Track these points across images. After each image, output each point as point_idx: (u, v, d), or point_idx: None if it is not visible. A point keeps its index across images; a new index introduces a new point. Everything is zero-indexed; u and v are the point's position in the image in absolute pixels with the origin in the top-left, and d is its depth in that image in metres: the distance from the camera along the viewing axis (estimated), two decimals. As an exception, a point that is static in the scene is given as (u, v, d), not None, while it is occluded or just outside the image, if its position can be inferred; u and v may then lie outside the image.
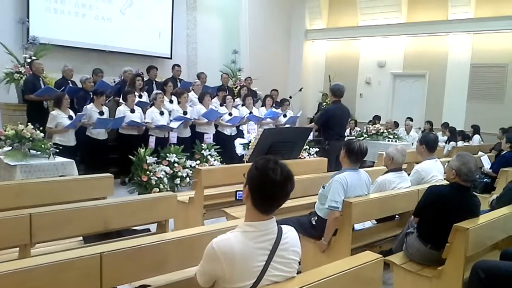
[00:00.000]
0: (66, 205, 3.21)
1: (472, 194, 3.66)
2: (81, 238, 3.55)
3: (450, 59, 12.33)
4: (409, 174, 4.84)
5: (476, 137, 10.79)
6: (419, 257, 3.59)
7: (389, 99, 13.64)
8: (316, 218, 3.99)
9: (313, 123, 6.86)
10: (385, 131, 10.28)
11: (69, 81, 8.22)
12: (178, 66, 10.11)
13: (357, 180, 3.96)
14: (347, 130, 11.01)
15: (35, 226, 2.94)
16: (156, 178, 6.65)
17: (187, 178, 7.10)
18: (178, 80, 9.83)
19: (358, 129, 11.87)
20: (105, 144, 7.64)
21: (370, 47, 13.99)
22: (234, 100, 9.53)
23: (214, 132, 8.49)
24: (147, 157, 6.71)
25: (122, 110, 7.53)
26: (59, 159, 5.67)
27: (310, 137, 7.41)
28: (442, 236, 3.31)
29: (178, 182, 7.03)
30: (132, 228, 3.71)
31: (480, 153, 8.15)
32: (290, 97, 10.96)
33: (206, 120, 8.35)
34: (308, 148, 8.83)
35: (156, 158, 6.84)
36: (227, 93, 9.55)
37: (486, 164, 7.02)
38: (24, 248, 2.97)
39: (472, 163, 3.47)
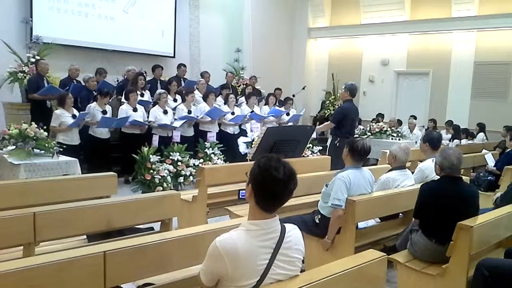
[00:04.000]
0: (69, 204, 3.22)
1: (466, 183, 3.74)
2: (85, 236, 3.56)
3: (453, 57, 12.28)
4: (413, 172, 4.84)
5: (480, 135, 10.77)
6: (425, 253, 3.58)
7: (393, 97, 13.61)
8: (319, 217, 3.99)
9: (329, 122, 6.91)
10: (389, 129, 10.27)
11: (74, 80, 8.24)
12: (184, 66, 10.08)
13: (360, 178, 3.96)
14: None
15: (39, 225, 2.95)
16: (160, 177, 6.66)
17: (191, 177, 7.10)
18: (182, 79, 9.83)
19: (362, 127, 11.83)
20: (108, 143, 7.65)
21: (373, 45, 13.95)
22: (237, 99, 9.54)
23: (217, 131, 8.49)
24: (151, 155, 6.71)
25: (125, 109, 7.53)
26: (63, 158, 5.68)
27: (314, 135, 7.41)
28: (445, 229, 3.35)
29: (182, 180, 7.04)
30: (136, 226, 3.72)
31: (484, 151, 8.12)
32: (293, 96, 10.96)
33: (210, 119, 8.35)
34: (311, 146, 8.82)
35: (159, 157, 6.85)
36: (231, 92, 9.54)
37: (490, 162, 7.00)
38: (28, 246, 2.98)
39: (453, 156, 3.58)
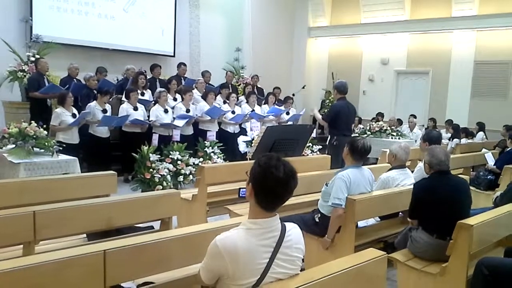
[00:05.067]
0: (69, 203, 3.21)
1: (455, 176, 3.85)
2: (84, 235, 3.56)
3: (453, 56, 12.29)
4: (412, 171, 4.83)
5: (480, 134, 10.77)
6: (427, 250, 3.58)
7: (393, 96, 13.61)
8: (319, 215, 3.99)
9: (322, 119, 6.89)
10: (389, 128, 10.26)
11: (74, 79, 8.24)
12: (184, 65, 10.09)
13: (360, 177, 3.96)
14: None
15: (38, 224, 2.94)
16: (159, 176, 6.66)
17: (190, 176, 7.11)
18: (182, 78, 9.83)
19: (362, 126, 11.84)
20: (108, 142, 7.65)
21: (373, 44, 13.95)
22: (238, 98, 9.54)
23: (217, 130, 8.49)
24: (150, 154, 6.71)
25: (125, 108, 7.53)
26: (63, 156, 5.68)
27: (313, 134, 7.40)
28: (444, 222, 3.39)
29: (181, 179, 7.05)
30: (136, 225, 3.72)
31: (483, 150, 8.12)
32: (293, 95, 10.96)
33: (209, 118, 8.35)
34: (311, 145, 8.82)
35: (159, 156, 6.85)
36: (231, 91, 9.54)
37: (490, 161, 6.99)
38: (28, 245, 2.98)
39: (441, 154, 3.68)
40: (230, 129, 8.87)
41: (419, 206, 3.67)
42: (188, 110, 8.03)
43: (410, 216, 3.79)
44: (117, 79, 9.43)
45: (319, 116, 6.97)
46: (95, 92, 7.78)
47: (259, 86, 11.12)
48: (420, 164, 4.92)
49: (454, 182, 3.69)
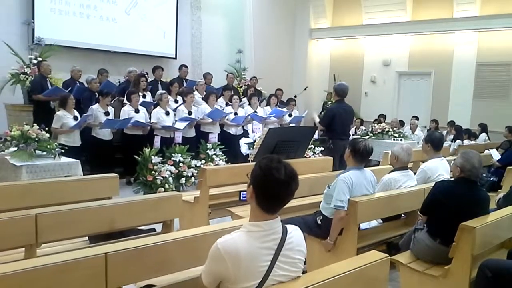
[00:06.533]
0: (71, 205, 3.22)
1: (479, 188, 3.68)
2: (86, 238, 3.56)
3: (455, 57, 12.28)
4: (415, 173, 4.82)
5: (482, 135, 10.75)
6: (427, 253, 3.57)
7: (395, 97, 13.59)
8: (321, 218, 3.98)
9: (319, 124, 6.87)
10: (391, 130, 10.24)
11: (77, 82, 8.26)
12: (186, 67, 10.11)
13: (362, 179, 3.95)
14: (352, 129, 11.00)
15: (40, 227, 2.95)
16: (161, 178, 6.66)
17: (192, 178, 7.10)
18: (184, 80, 9.84)
19: (364, 128, 11.85)
20: (111, 144, 7.65)
21: (375, 45, 13.94)
22: (240, 100, 9.54)
23: (219, 132, 8.49)
24: (152, 157, 6.71)
25: (127, 110, 7.54)
26: (65, 159, 5.69)
27: (315, 136, 7.39)
28: (451, 230, 3.31)
29: (183, 181, 7.04)
30: (138, 228, 3.72)
31: (486, 151, 8.12)
32: (295, 96, 10.96)
33: (211, 120, 8.35)
34: (313, 147, 8.81)
35: (161, 158, 6.85)
36: (233, 93, 9.54)
37: (496, 156, 7.02)
38: (30, 248, 2.98)
39: (475, 159, 3.52)
40: (232, 131, 8.87)
41: (433, 205, 3.60)
42: (190, 113, 8.03)
43: (422, 211, 3.75)
44: (119, 82, 9.45)
45: (318, 121, 6.96)
46: (97, 94, 7.79)
47: (257, 87, 11.12)
48: (423, 166, 4.91)
49: (477, 195, 3.56)
